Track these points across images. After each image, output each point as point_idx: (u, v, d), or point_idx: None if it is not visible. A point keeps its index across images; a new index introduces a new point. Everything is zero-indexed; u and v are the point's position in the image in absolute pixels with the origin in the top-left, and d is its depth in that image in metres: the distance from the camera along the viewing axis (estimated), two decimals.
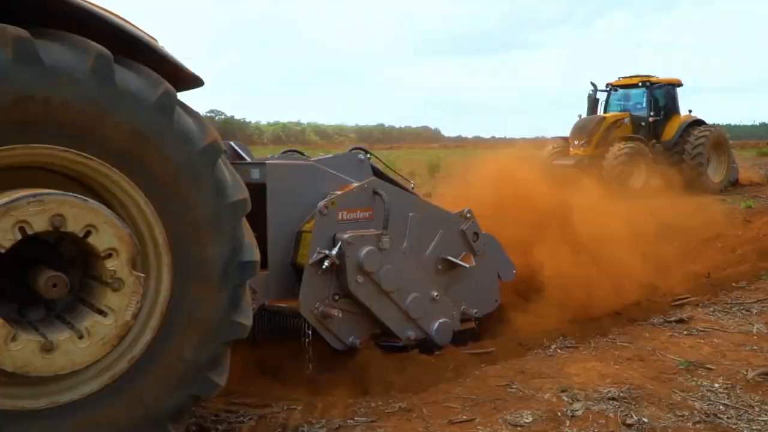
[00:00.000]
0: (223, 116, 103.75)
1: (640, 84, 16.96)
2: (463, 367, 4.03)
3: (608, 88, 17.68)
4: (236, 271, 2.68)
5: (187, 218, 2.55)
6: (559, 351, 4.48)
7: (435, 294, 3.81)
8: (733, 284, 6.26)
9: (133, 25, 2.70)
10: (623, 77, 17.46)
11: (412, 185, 4.39)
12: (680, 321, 5.20)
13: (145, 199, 2.45)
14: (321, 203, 3.45)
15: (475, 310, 4.12)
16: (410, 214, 3.81)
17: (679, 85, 17.48)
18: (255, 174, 3.58)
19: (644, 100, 16.96)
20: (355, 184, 3.64)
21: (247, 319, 2.77)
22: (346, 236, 3.42)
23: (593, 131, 16.12)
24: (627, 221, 8.63)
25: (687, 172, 16.41)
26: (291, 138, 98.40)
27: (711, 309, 5.50)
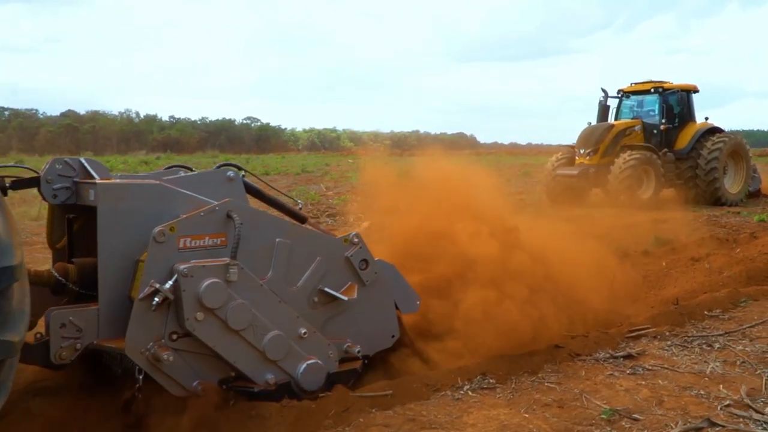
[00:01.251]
0: (258, 123, 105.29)
1: (652, 90, 16.21)
2: (347, 413, 3.53)
3: (620, 95, 16.96)
4: None
5: None
6: (470, 393, 3.95)
7: (303, 331, 3.33)
8: (706, 312, 5.63)
9: None
10: (635, 83, 16.72)
11: (300, 206, 3.93)
12: (628, 357, 4.63)
13: None
14: (156, 229, 3.01)
15: (358, 348, 3.61)
16: (277, 239, 3.34)
17: (695, 91, 16.66)
18: (92, 195, 3.18)
19: (657, 106, 16.19)
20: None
21: (13, 335, 2.35)
22: (182, 267, 2.97)
23: (600, 139, 15.45)
24: (607, 237, 8.05)
25: (701, 182, 15.62)
26: (326, 144, 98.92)
27: (669, 342, 4.91)
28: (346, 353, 3.61)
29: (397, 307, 3.95)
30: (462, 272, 4.59)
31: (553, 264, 5.51)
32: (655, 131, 15.99)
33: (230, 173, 3.50)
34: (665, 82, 16.32)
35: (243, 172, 3.60)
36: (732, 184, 16.24)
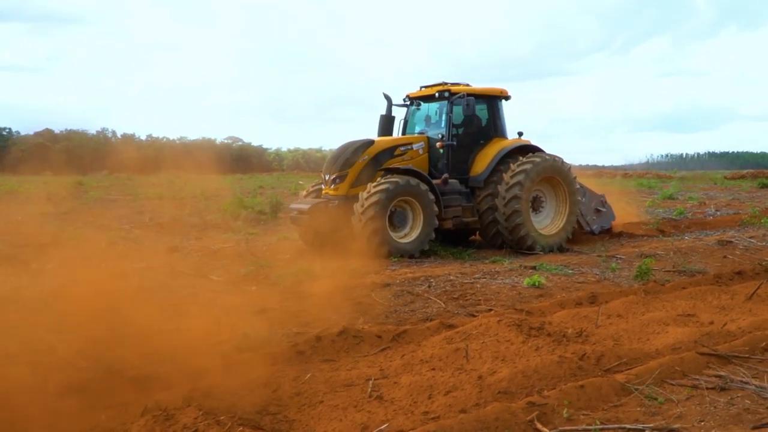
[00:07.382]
0: (240, 143, 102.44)
1: (436, 95, 11.87)
2: None
3: (407, 102, 12.63)
4: None
5: None
6: None
7: None
8: None
9: None
10: (425, 86, 12.38)
11: None
12: None
13: None
14: None
15: None
16: None
17: (505, 97, 12.26)
18: None
19: (444, 117, 11.85)
20: None
21: None
22: None
23: (351, 162, 11.07)
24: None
25: (501, 218, 11.27)
26: (311, 164, 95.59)
27: None
28: None
29: None
30: None
31: None
32: (441, 151, 11.65)
33: None
34: (459, 84, 11.97)
35: None
36: (548, 224, 11.83)
